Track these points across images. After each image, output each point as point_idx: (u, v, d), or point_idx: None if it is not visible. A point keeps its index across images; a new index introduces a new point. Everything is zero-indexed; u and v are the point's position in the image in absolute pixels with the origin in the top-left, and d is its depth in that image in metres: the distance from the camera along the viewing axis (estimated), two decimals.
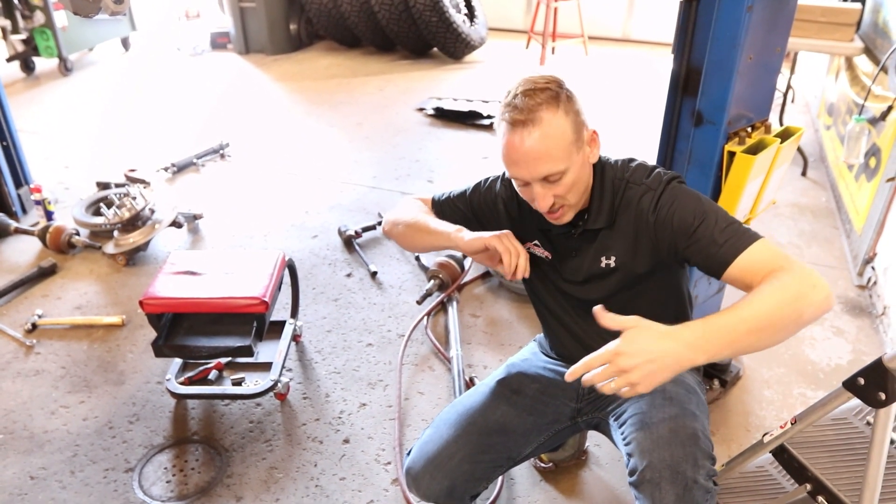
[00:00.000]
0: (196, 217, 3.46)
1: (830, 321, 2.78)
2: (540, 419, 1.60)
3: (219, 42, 6.92)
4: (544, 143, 1.27)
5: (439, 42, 6.07)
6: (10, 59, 5.98)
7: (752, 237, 1.25)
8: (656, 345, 1.07)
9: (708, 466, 1.29)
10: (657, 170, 1.43)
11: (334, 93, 5.52)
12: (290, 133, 4.73)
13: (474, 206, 1.64)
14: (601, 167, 1.44)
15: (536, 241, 1.55)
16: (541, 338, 1.82)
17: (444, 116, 4.88)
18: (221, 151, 4.32)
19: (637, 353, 1.06)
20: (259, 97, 5.49)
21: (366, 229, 3.32)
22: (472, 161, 4.24)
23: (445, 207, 1.66)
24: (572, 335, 1.63)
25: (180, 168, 4.10)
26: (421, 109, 5.05)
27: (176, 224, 3.33)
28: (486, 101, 5.05)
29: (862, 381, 1.19)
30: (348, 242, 3.27)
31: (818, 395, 2.32)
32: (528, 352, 1.79)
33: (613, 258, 1.45)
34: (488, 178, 1.66)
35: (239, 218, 3.60)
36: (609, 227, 1.44)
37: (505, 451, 1.55)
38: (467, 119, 4.82)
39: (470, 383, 2.35)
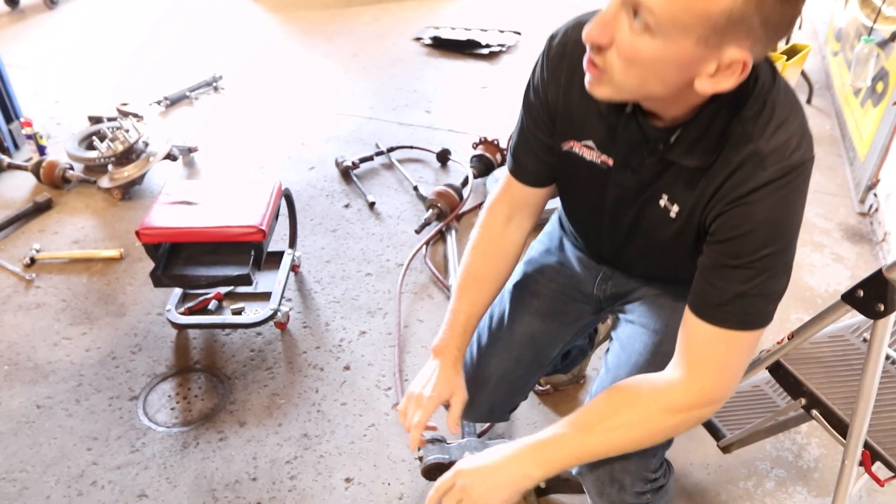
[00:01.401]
0: (191, 150, 3.41)
1: (830, 248, 2.77)
2: (563, 321, 1.52)
3: None
4: None
5: None
6: None
7: (744, 321, 1.04)
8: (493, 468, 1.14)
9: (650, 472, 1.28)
10: (793, 137, 0.98)
11: (328, 23, 5.37)
12: (285, 65, 4.62)
13: (541, 126, 1.25)
14: (733, 96, 0.98)
15: (591, 142, 1.19)
16: (561, 209, 1.55)
17: (442, 46, 4.77)
18: (215, 84, 4.23)
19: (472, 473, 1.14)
20: (252, 28, 5.34)
21: (363, 160, 3.28)
22: (471, 91, 4.16)
23: (521, 163, 1.33)
24: (594, 233, 1.41)
25: (173, 101, 4.03)
26: (418, 39, 4.92)
27: (171, 157, 3.29)
28: (485, 30, 4.92)
29: (861, 292, 1.19)
30: (346, 173, 3.23)
31: None
32: (546, 236, 1.61)
33: (677, 206, 1.12)
34: (529, 84, 1.26)
35: (234, 151, 3.55)
36: (696, 169, 1.05)
37: (535, 360, 1.51)
38: (465, 48, 4.70)
39: None
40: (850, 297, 1.23)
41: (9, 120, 3.52)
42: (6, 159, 3.33)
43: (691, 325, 1.08)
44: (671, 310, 1.39)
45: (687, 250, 1.16)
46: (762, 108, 0.99)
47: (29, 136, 3.37)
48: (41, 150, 3.39)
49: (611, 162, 1.17)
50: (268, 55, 4.78)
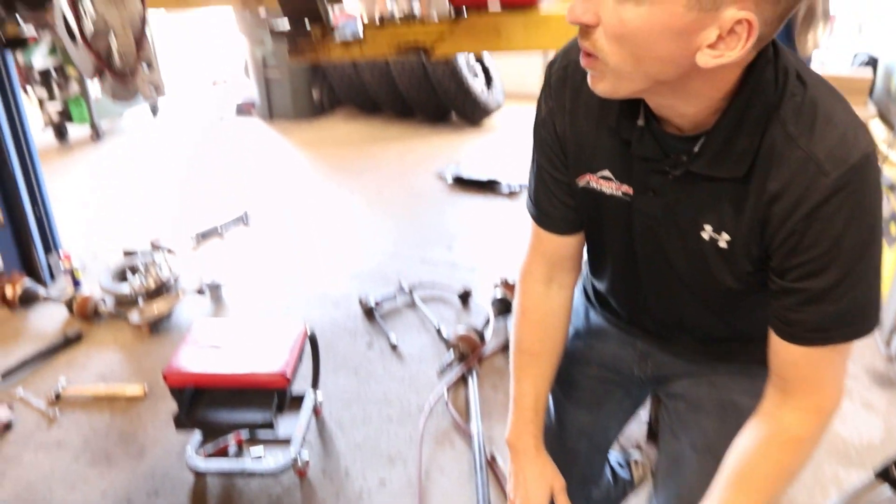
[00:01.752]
0: (218, 285, 3.50)
1: (859, 393, 2.72)
2: (610, 406, 1.40)
3: (244, 108, 7.12)
4: None
5: (458, 108, 6.21)
6: (45, 128, 6.18)
7: (849, 334, 0.95)
8: None
9: None
10: (847, 131, 0.87)
11: (355, 159, 5.63)
12: (312, 200, 4.81)
13: (555, 162, 1.14)
14: (757, 77, 0.88)
15: (607, 171, 1.06)
16: (586, 276, 1.40)
17: (464, 183, 4.96)
18: (244, 219, 4.40)
19: None
20: (281, 163, 5.61)
21: (386, 299, 3.34)
22: (492, 229, 4.28)
23: (544, 210, 1.20)
24: (629, 289, 1.23)
25: (204, 235, 4.18)
26: (440, 176, 5.13)
27: (199, 292, 3.38)
28: (506, 169, 5.12)
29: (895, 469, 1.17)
30: (369, 312, 3.28)
31: (851, 474, 2.26)
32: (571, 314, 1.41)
33: (727, 234, 0.97)
34: (535, 121, 1.17)
35: (261, 286, 3.63)
36: (734, 181, 0.92)
37: (594, 448, 1.43)
38: (486, 186, 4.88)
39: (491, 460, 2.32)
40: (885, 475, 1.21)
41: (48, 251, 3.66)
42: (42, 292, 3.43)
43: (786, 352, 0.98)
44: (720, 412, 1.23)
45: (746, 291, 1.02)
46: (801, 103, 0.88)
47: (66, 270, 3.48)
48: (76, 283, 3.50)
49: (631, 191, 1.04)
50: (297, 190, 4.99)
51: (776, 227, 0.91)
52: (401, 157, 5.66)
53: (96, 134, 6.28)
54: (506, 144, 5.86)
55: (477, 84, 6.13)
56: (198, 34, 8.46)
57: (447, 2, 1.75)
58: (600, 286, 1.32)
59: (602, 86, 0.90)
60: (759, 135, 0.89)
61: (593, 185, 1.09)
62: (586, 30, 0.85)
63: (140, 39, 0.99)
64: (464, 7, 1.75)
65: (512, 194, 4.80)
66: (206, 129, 6.74)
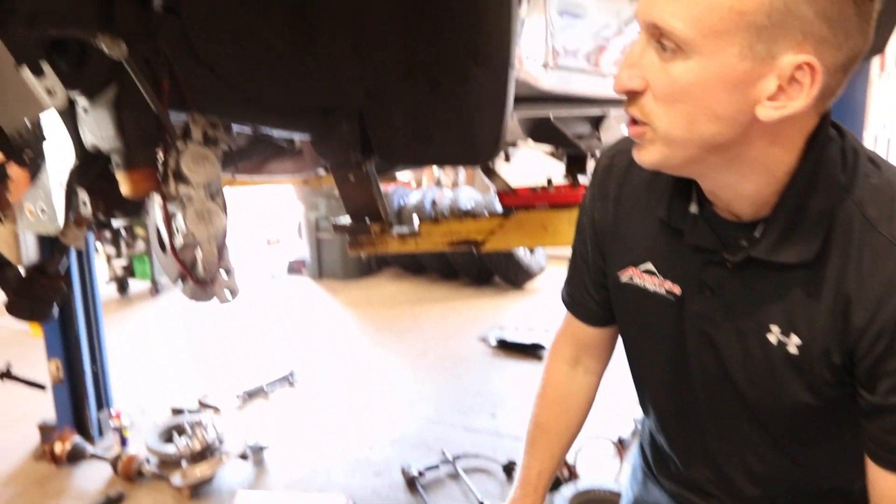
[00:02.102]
0: (261, 448, 3.51)
1: None
2: None
3: (295, 267, 7.43)
4: None
5: (501, 271, 6.38)
6: (109, 282, 6.53)
7: None
8: None
9: None
10: None
11: (399, 320, 5.75)
12: (357, 360, 4.87)
13: (593, 253, 1.09)
14: (820, 150, 0.81)
15: (650, 265, 0.98)
16: (644, 432, 1.27)
17: (507, 347, 4.98)
18: (290, 379, 4.47)
19: None
20: (329, 322, 5.76)
21: (428, 468, 3.28)
22: None
23: (575, 297, 1.18)
24: (688, 437, 1.07)
25: (250, 395, 4.24)
26: (484, 339, 5.18)
27: (242, 456, 3.38)
28: (548, 331, 5.15)
29: None
30: (411, 483, 3.22)
31: None
32: (628, 479, 1.33)
33: (795, 337, 0.85)
34: (580, 209, 1.13)
35: (303, 449, 3.62)
36: (804, 267, 0.82)
37: None
38: (530, 350, 4.89)
39: None
40: None
41: (100, 407, 3.75)
42: (89, 449, 3.48)
43: (890, 485, 0.84)
44: None
45: (824, 412, 0.87)
46: (878, 185, 0.81)
47: (115, 428, 3.55)
48: (123, 441, 3.54)
49: (678, 290, 0.94)
50: (342, 350, 5.08)
51: (860, 325, 0.78)
52: (444, 318, 5.76)
53: (155, 289, 6.59)
54: (549, 308, 5.93)
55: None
56: (255, 196, 9.03)
57: (498, 202, 1.92)
58: (649, 422, 1.19)
59: (650, 156, 0.82)
60: (828, 217, 0.80)
61: (637, 280, 1.00)
62: (634, 96, 0.80)
63: (221, 250, 1.10)
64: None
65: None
66: (258, 287, 7.02)
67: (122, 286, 6.64)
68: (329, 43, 1.29)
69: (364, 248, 1.75)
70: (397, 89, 1.29)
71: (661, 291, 0.97)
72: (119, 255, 6.41)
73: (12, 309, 0.79)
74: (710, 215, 0.89)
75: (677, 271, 0.94)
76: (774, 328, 0.85)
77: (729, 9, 0.70)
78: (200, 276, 1.13)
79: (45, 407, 3.69)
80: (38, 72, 0.81)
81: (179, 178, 1.10)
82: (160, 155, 1.13)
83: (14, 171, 0.98)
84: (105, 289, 6.53)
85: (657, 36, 0.75)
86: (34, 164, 0.82)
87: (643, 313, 1.01)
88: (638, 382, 1.13)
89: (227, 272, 1.19)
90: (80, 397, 3.66)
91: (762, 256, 0.83)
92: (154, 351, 5.13)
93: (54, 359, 3.61)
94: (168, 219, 1.12)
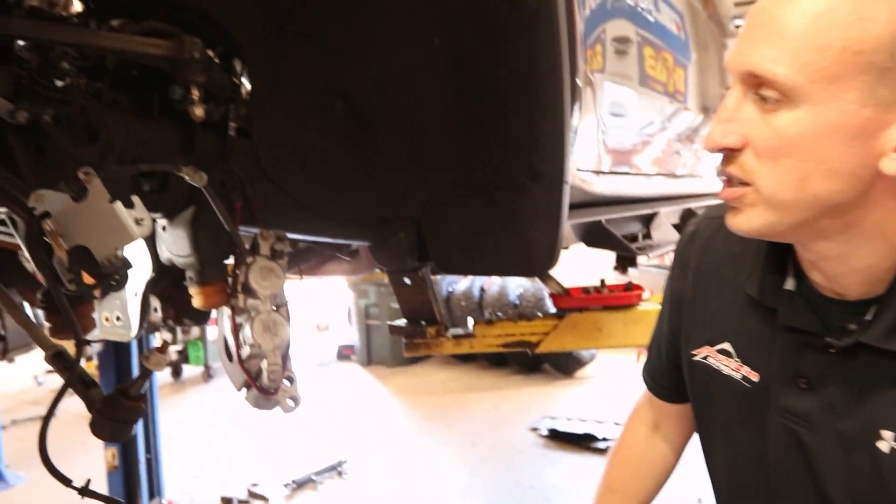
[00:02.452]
0: None
1: None
2: None
3: (344, 353, 7.47)
4: (794, 7, 0.64)
5: (551, 359, 6.29)
6: (163, 367, 6.67)
7: None
8: None
9: None
10: None
11: (449, 408, 5.68)
12: (406, 451, 4.81)
13: (670, 327, 1.01)
14: None
15: (727, 344, 0.87)
16: None
17: (559, 438, 4.86)
18: (339, 469, 4.43)
19: None
20: (378, 410, 5.73)
21: None
22: (591, 490, 4.10)
23: (651, 372, 1.11)
24: None
25: (299, 485, 4.20)
26: (535, 429, 5.07)
27: None
28: (601, 422, 5.02)
29: None
30: None
31: None
32: None
33: None
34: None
35: None
36: None
37: None
38: (583, 441, 4.76)
39: None
40: None
41: (152, 495, 3.77)
42: None
43: None
44: None
45: None
46: None
47: None
48: None
49: (755, 377, 0.83)
50: (391, 440, 5.03)
51: None
52: (495, 407, 5.67)
53: (208, 374, 6.70)
54: (601, 397, 5.79)
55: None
56: (305, 282, 9.21)
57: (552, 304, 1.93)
58: None
59: (751, 222, 0.71)
60: None
61: (711, 360, 0.89)
62: (731, 154, 0.70)
63: (285, 360, 1.14)
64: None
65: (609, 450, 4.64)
66: (307, 373, 7.06)
67: (177, 371, 6.77)
68: (387, 158, 1.36)
69: (420, 350, 1.78)
70: (454, 202, 1.33)
71: (737, 377, 0.85)
72: (175, 341, 6.57)
73: (95, 428, 0.83)
74: (809, 292, 0.78)
75: (762, 356, 0.82)
76: (887, 434, 0.71)
77: (842, 49, 0.61)
78: (265, 386, 1.16)
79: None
80: (128, 205, 0.88)
81: (248, 291, 1.15)
82: (230, 269, 1.19)
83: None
84: (159, 373, 6.67)
85: (755, 86, 0.67)
86: (118, 288, 0.88)
87: (715, 400, 0.90)
88: (711, 474, 0.99)
89: (290, 381, 1.22)
90: (133, 486, 3.70)
91: (875, 343, 0.70)
92: (205, 436, 5.17)
93: (111, 447, 3.68)
94: (236, 330, 1.17)
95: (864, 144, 0.64)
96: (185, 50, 0.96)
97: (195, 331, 6.56)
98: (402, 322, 1.72)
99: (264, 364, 1.16)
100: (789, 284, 0.80)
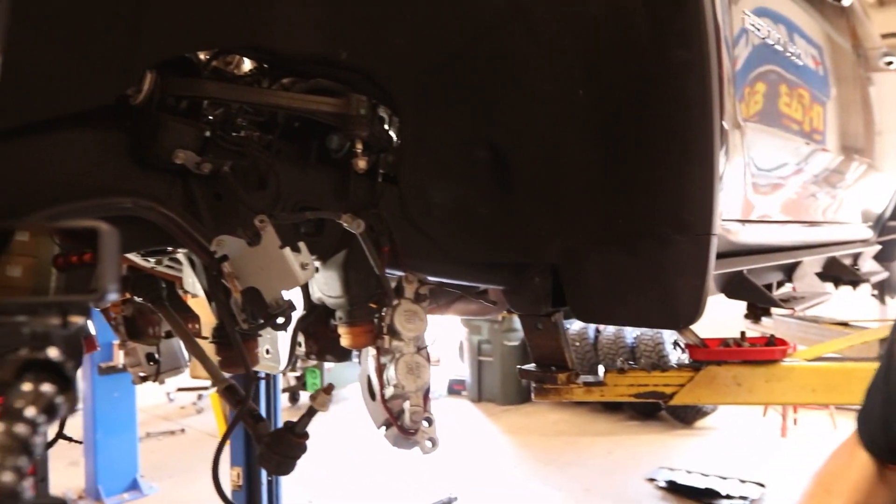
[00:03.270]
0: None
1: None
2: None
3: (454, 388, 7.50)
4: None
5: (669, 405, 6.03)
6: (283, 391, 6.95)
7: None
8: None
9: None
10: None
11: (561, 451, 5.56)
12: (517, 493, 4.74)
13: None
14: None
15: None
16: None
17: (678, 491, 4.63)
18: None
19: None
20: (487, 448, 5.69)
21: None
22: None
23: (867, 428, 1.10)
24: None
25: None
26: (652, 480, 4.85)
27: None
28: (724, 478, 4.73)
29: None
30: None
31: None
32: None
33: None
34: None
35: None
36: None
37: None
38: (704, 497, 4.51)
39: None
40: None
41: None
42: None
43: None
44: None
45: None
46: None
47: None
48: None
49: None
50: (501, 480, 4.97)
51: None
52: (608, 453, 5.49)
53: None
54: (723, 450, 5.48)
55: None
56: None
57: (687, 354, 1.87)
58: None
59: None
60: None
61: None
62: None
63: (426, 401, 1.16)
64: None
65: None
66: None
67: (294, 397, 7.03)
68: (528, 206, 1.37)
69: (549, 395, 1.76)
70: (594, 251, 1.33)
71: None
72: (294, 368, 6.83)
73: (262, 461, 0.88)
74: None
75: None
76: None
77: None
78: (406, 426, 1.19)
79: None
80: (296, 250, 0.94)
81: (393, 333, 1.19)
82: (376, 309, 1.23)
83: None
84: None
85: None
86: (283, 328, 0.94)
87: None
88: None
89: (429, 422, 1.24)
90: None
91: None
92: (319, 463, 5.31)
93: (237, 467, 3.85)
94: (380, 370, 1.21)
95: None
96: (353, 107, 1.02)
97: (312, 359, 6.80)
98: (531, 366, 1.71)
99: (406, 405, 1.19)
100: None
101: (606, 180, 1.28)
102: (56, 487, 4.60)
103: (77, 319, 0.41)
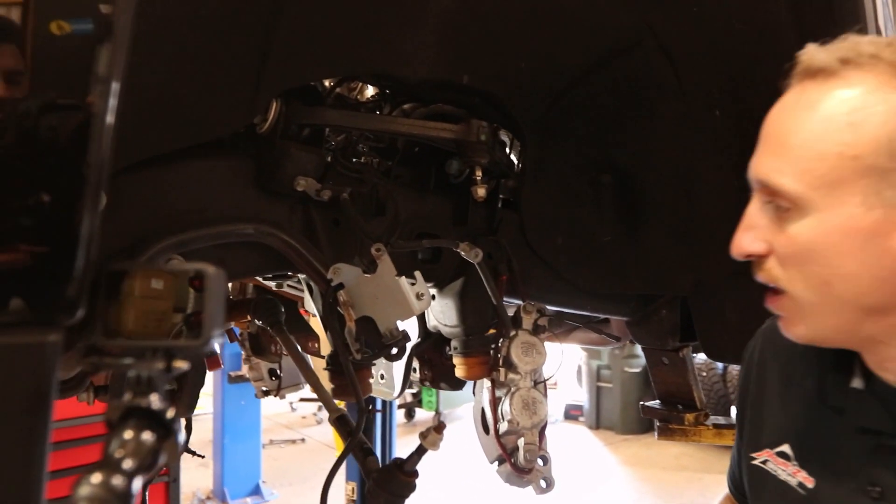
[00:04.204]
0: None
1: None
2: None
3: (571, 413, 7.30)
4: (793, 118, 0.68)
5: None
6: (399, 407, 7.05)
7: None
8: None
9: None
10: None
11: (684, 489, 5.25)
12: None
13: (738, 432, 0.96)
14: None
15: (786, 447, 0.83)
16: None
17: None
18: None
19: None
20: (604, 480, 5.48)
21: None
22: None
23: (731, 472, 1.03)
24: None
25: None
26: None
27: None
28: None
29: None
30: None
31: None
32: None
33: None
34: None
35: None
36: None
37: None
38: None
39: None
40: None
41: None
42: None
43: None
44: None
45: None
46: None
47: None
48: None
49: (811, 482, 0.77)
50: None
51: None
52: None
53: (439, 420, 6.94)
54: None
55: None
56: None
57: None
58: None
59: (797, 329, 0.72)
60: None
61: (770, 464, 0.83)
62: (759, 260, 0.72)
63: (541, 438, 1.10)
64: None
65: None
66: None
67: (410, 413, 7.11)
68: (656, 234, 1.29)
69: (674, 436, 1.64)
70: (729, 284, 1.22)
71: (793, 482, 0.79)
72: (411, 385, 6.92)
73: (371, 497, 0.86)
74: (881, 389, 0.73)
75: (824, 460, 0.77)
76: None
77: (839, 155, 0.63)
78: (520, 464, 1.14)
79: None
80: (411, 279, 0.92)
81: (509, 365, 1.14)
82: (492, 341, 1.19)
83: None
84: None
85: (769, 195, 0.69)
86: (397, 359, 0.92)
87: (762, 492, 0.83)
88: None
89: (545, 461, 1.18)
90: None
91: None
92: (432, 480, 5.32)
93: (351, 482, 3.92)
94: (495, 403, 1.16)
95: (879, 246, 0.64)
96: (473, 133, 0.99)
97: None
98: (656, 403, 1.61)
99: (521, 442, 1.14)
100: (857, 383, 0.76)
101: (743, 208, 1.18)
102: (187, 486, 4.88)
103: (181, 365, 0.41)
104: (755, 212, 0.72)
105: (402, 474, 0.84)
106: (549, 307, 1.33)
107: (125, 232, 0.88)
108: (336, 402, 1.38)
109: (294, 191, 0.95)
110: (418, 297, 0.91)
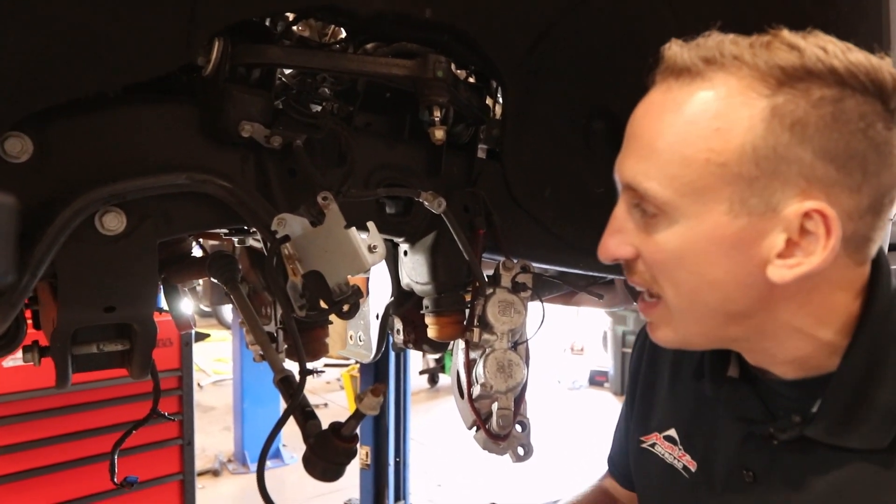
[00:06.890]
0: None
1: None
2: None
3: (597, 379, 7.24)
4: (660, 119, 0.67)
5: None
6: (421, 373, 7.05)
7: None
8: None
9: None
10: None
11: None
12: None
13: (624, 412, 1.05)
14: (885, 302, 0.67)
15: (672, 431, 0.85)
16: None
17: None
18: None
19: None
20: None
21: None
22: None
23: (615, 458, 1.13)
24: None
25: None
26: None
27: None
28: None
29: None
30: None
31: None
32: None
33: None
34: None
35: None
36: (875, 454, 0.66)
37: None
38: None
39: None
40: None
41: (397, 497, 3.95)
42: None
43: None
44: None
45: None
46: None
47: None
48: None
49: (693, 465, 0.80)
50: None
51: None
52: None
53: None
54: None
55: None
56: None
57: None
58: None
59: (663, 333, 0.72)
60: None
61: (658, 448, 0.87)
62: (628, 264, 0.72)
63: (519, 404, 1.03)
64: None
65: None
66: (556, 396, 6.97)
67: (433, 378, 7.11)
68: None
69: None
70: None
71: (678, 466, 0.83)
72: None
73: (306, 464, 0.80)
74: (754, 377, 0.76)
75: (705, 445, 0.80)
76: None
77: (706, 162, 0.62)
78: (494, 430, 1.07)
79: (354, 487, 4.01)
80: (364, 230, 0.85)
81: (484, 325, 1.06)
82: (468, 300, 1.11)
83: None
84: (417, 379, 7.06)
85: (636, 197, 0.68)
86: (349, 316, 0.85)
87: (660, 490, 0.87)
88: None
89: (523, 427, 1.11)
90: (381, 486, 3.91)
91: (819, 438, 0.68)
92: (454, 446, 5.32)
93: (365, 446, 3.92)
94: (469, 366, 1.09)
95: (744, 254, 0.64)
96: (429, 69, 0.90)
97: None
98: None
99: (495, 406, 1.07)
100: (732, 371, 0.78)
101: None
102: (210, 449, 4.95)
103: None
104: (622, 214, 0.71)
105: (340, 440, 0.78)
106: (536, 265, 1.24)
107: (55, 182, 0.82)
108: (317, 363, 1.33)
109: (241, 138, 0.88)
110: (371, 249, 0.84)
